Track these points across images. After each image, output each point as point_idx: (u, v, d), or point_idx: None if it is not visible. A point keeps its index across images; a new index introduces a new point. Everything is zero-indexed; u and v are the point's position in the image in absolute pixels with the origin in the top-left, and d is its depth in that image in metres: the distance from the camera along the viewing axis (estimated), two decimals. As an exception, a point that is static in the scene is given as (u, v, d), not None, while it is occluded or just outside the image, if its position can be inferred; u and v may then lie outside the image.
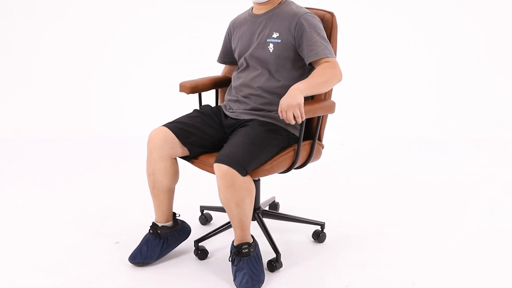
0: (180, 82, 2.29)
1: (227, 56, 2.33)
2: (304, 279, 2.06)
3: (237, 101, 2.15)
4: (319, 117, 2.07)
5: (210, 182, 2.45)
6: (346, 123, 4.03)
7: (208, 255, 2.22)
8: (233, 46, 2.25)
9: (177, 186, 2.18)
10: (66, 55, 4.27)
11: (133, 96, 4.28)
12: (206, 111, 2.19)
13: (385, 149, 3.75)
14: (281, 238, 2.37)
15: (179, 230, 2.21)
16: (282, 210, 2.67)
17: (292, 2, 2.15)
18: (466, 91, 4.23)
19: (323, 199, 2.86)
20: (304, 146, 2.10)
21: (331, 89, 2.14)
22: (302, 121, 1.92)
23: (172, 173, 2.10)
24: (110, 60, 4.30)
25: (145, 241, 2.16)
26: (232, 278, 2.00)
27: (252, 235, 2.05)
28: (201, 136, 2.09)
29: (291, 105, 1.82)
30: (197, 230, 2.45)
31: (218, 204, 2.39)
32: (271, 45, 2.07)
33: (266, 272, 2.08)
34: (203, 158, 2.08)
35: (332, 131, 3.26)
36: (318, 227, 2.37)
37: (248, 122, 2.08)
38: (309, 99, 2.10)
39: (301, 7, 2.11)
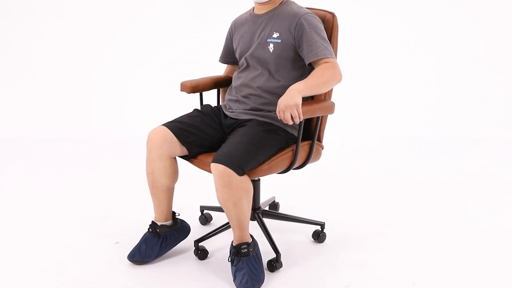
0: (181, 81, 2.30)
1: (228, 56, 2.33)
2: (304, 279, 2.06)
3: (236, 101, 2.15)
4: (318, 117, 2.07)
5: (210, 182, 2.44)
6: (346, 123, 4.03)
7: (208, 255, 2.22)
8: (234, 46, 2.25)
9: (177, 186, 2.18)
10: (66, 55, 4.27)
11: (133, 96, 4.28)
12: (206, 111, 2.20)
13: (385, 149, 3.75)
14: (281, 238, 2.37)
15: (178, 229, 2.22)
16: (282, 210, 2.67)
17: (293, 2, 2.15)
18: (466, 91, 4.23)
19: (323, 199, 2.85)
20: (303, 147, 2.10)
21: (332, 89, 2.13)
22: (300, 122, 1.92)
23: (171, 173, 2.10)
24: (110, 60, 4.30)
25: (144, 239, 2.17)
26: (232, 278, 2.00)
27: (251, 235, 2.05)
28: (200, 136, 2.09)
29: (289, 105, 1.82)
30: (197, 230, 2.45)
31: (218, 204, 2.39)
32: (271, 45, 2.07)
33: (266, 272, 2.08)
34: (202, 157, 2.08)
35: (332, 131, 3.26)
36: (318, 227, 2.37)
37: (247, 122, 2.08)
38: (309, 99, 2.10)
39: (302, 7, 2.10)
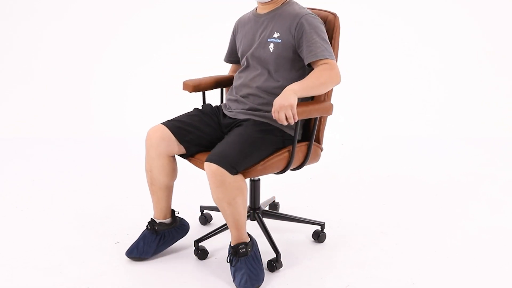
0: (182, 81, 2.30)
1: (232, 55, 2.34)
2: (304, 279, 2.06)
3: (236, 100, 2.15)
4: (316, 118, 2.05)
5: (210, 182, 2.45)
6: (346, 123, 4.03)
7: (208, 255, 2.22)
8: (237, 45, 2.26)
9: (177, 186, 2.18)
10: (66, 55, 4.27)
11: (133, 96, 4.28)
12: (205, 110, 2.20)
13: (385, 149, 3.75)
14: (281, 238, 2.37)
15: (176, 227, 2.22)
16: (282, 210, 2.67)
17: (295, 2, 2.14)
18: (466, 91, 4.23)
19: (323, 199, 2.85)
20: (301, 148, 2.08)
21: (331, 90, 2.13)
22: (296, 122, 1.91)
23: (169, 171, 2.10)
24: (110, 60, 4.30)
25: (142, 236, 2.18)
26: (232, 279, 2.00)
27: (249, 234, 2.05)
28: (199, 134, 2.09)
29: (283, 106, 1.81)
30: (197, 230, 2.45)
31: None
32: (271, 45, 2.07)
33: (266, 272, 2.08)
34: (199, 156, 2.08)
35: (332, 131, 3.26)
36: (318, 227, 2.37)
37: (244, 121, 2.08)
38: (310, 100, 2.09)
39: (304, 8, 2.10)
